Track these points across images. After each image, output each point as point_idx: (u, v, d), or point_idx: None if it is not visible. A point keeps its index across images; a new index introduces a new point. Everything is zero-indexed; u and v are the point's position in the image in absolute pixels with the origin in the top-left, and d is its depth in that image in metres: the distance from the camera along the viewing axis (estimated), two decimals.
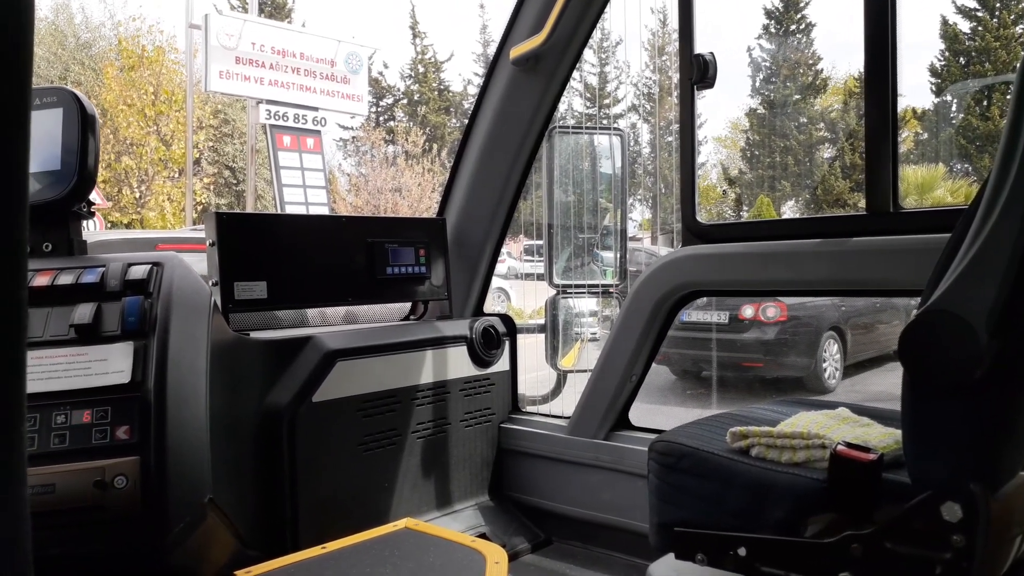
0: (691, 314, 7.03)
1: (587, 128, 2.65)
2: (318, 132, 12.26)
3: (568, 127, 2.43)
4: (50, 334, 1.34)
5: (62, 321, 1.35)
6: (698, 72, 1.94)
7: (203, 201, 18.32)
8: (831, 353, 6.82)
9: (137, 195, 17.47)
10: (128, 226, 17.31)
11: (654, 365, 2.11)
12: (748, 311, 6.75)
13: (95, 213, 1.72)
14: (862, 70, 1.72)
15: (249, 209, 13.59)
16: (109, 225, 15.79)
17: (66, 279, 1.39)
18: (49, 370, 1.30)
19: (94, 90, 17.87)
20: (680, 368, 7.45)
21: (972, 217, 1.00)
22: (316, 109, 12.17)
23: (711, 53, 1.95)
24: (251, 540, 1.58)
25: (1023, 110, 0.95)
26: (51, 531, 1.22)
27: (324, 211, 11.82)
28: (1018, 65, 0.99)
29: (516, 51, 2.16)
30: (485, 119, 2.28)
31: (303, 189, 11.74)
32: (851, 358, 7.05)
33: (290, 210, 11.18)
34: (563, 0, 2.03)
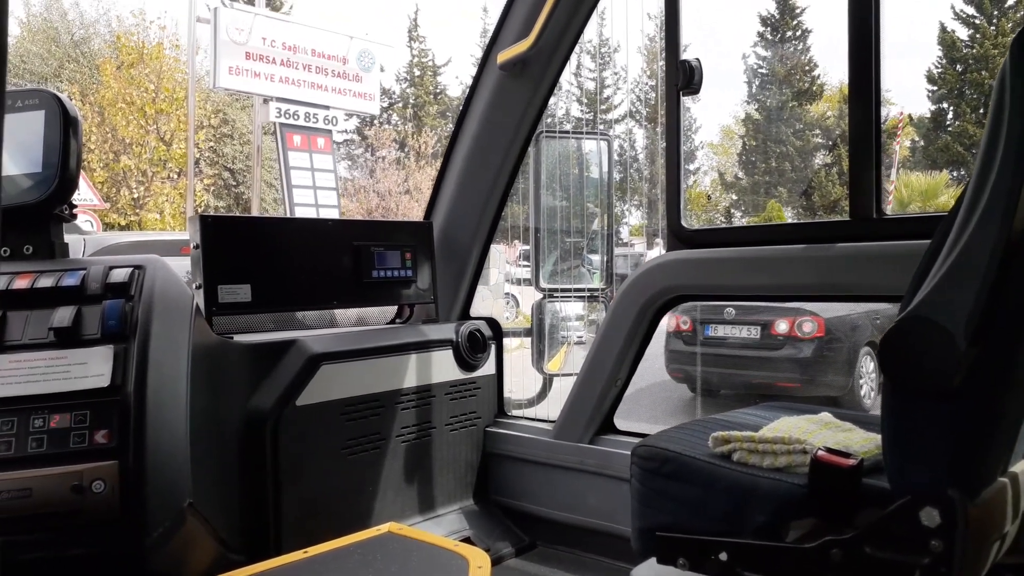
0: (716, 329, 6.46)
1: (574, 133, 2.65)
2: (329, 131, 11.74)
3: (555, 132, 2.43)
4: (29, 337, 1.33)
5: (42, 324, 1.34)
6: (684, 78, 1.94)
7: (202, 203, 17.86)
8: (868, 370, 6.34)
9: (136, 196, 17.03)
10: (126, 228, 17.04)
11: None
12: (782, 326, 6.13)
13: (76, 215, 1.71)
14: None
15: (255, 212, 13.23)
16: (105, 227, 15.47)
17: (46, 282, 1.38)
18: (28, 374, 1.29)
19: (91, 88, 17.38)
20: (701, 387, 6.86)
21: (951, 224, 1.00)
22: (327, 108, 11.61)
23: (697, 59, 1.95)
24: (234, 544, 1.56)
25: (1001, 119, 0.95)
26: (28, 536, 1.21)
27: (335, 213, 11.38)
28: (997, 76, 1.00)
29: (503, 56, 2.16)
30: (472, 123, 2.28)
31: (313, 190, 11.20)
32: None
33: (300, 212, 10.78)
34: (550, 5, 2.04)
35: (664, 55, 1.98)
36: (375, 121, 24.16)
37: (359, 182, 21.00)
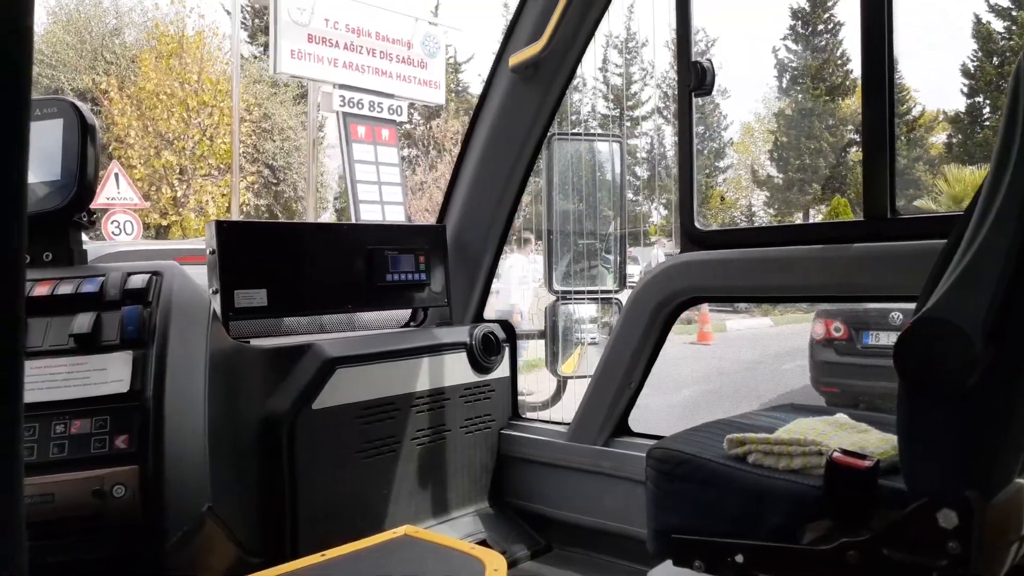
0: (878, 336, 5.79)
1: (586, 135, 2.65)
2: (394, 122, 10.68)
3: (567, 134, 2.43)
4: (49, 344, 1.35)
5: (62, 331, 1.36)
6: (696, 79, 1.94)
7: (244, 202, 17.11)
8: None
9: (177, 194, 16.36)
10: (167, 229, 16.36)
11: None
12: None
13: (95, 222, 1.74)
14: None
15: (310, 215, 12.68)
16: (145, 228, 14.50)
17: (66, 289, 1.40)
18: (48, 380, 1.31)
19: (130, 79, 16.83)
20: (858, 403, 5.94)
21: (967, 224, 1.00)
22: (392, 96, 10.56)
23: (709, 60, 1.95)
24: (252, 548, 1.58)
25: (1016, 118, 0.95)
26: (50, 540, 1.22)
27: (400, 211, 10.42)
28: (1012, 73, 0.99)
29: (515, 59, 2.16)
30: (484, 126, 2.29)
31: (378, 186, 10.14)
32: None
33: (364, 209, 9.82)
34: (562, 8, 2.04)
35: (676, 56, 1.98)
36: (439, 112, 23.65)
37: (417, 178, 20.26)
